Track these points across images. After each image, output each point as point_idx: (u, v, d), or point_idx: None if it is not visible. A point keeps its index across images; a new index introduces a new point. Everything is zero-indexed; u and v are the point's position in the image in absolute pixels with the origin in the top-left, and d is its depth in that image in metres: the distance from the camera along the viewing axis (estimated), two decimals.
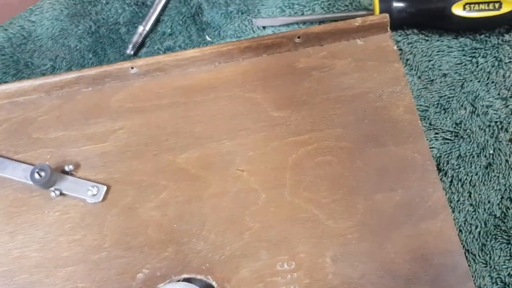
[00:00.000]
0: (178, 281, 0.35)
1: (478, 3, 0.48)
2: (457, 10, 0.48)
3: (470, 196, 0.44)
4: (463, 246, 0.43)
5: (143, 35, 0.51)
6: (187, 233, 0.36)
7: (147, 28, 0.52)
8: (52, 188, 0.37)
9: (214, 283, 0.35)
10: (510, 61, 0.48)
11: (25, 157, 0.39)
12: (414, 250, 0.35)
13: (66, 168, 0.38)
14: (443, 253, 0.35)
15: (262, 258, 0.35)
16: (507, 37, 0.49)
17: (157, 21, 0.53)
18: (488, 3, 0.48)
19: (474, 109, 0.47)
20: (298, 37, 0.41)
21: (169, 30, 0.52)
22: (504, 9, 0.48)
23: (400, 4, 0.49)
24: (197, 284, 0.34)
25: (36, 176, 0.37)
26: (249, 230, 0.36)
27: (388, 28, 0.41)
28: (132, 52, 0.51)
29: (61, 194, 0.38)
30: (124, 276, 0.35)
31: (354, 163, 0.38)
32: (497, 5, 0.48)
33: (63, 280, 0.35)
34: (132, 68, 0.40)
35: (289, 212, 0.36)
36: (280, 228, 0.36)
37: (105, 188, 0.38)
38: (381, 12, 0.48)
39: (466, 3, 0.48)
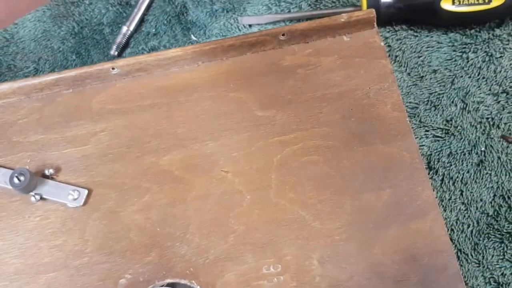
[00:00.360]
0: (162, 286, 0.34)
1: None
2: (446, 4, 0.47)
3: (461, 194, 0.43)
4: (455, 246, 0.42)
5: (127, 36, 0.50)
6: (171, 237, 0.35)
7: (131, 28, 0.51)
8: (32, 193, 0.37)
9: (198, 287, 0.34)
10: (501, 56, 0.48)
11: (4, 161, 0.38)
12: (403, 250, 0.34)
13: (47, 172, 0.37)
14: (433, 254, 0.34)
15: (247, 261, 0.34)
16: (497, 31, 0.49)
17: (141, 21, 0.52)
18: None
19: (465, 106, 0.46)
20: (283, 35, 0.40)
21: (154, 30, 0.51)
22: (494, 3, 0.47)
23: (388, 0, 0.48)
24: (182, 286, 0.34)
25: (16, 180, 0.36)
26: (234, 232, 0.35)
27: (375, 24, 0.40)
28: (116, 53, 0.50)
29: (42, 198, 0.37)
30: (106, 282, 0.34)
31: (341, 162, 0.37)
32: None
33: (44, 287, 0.35)
34: (113, 68, 0.40)
35: (274, 213, 0.36)
36: (266, 230, 0.35)
37: (86, 192, 0.37)
38: (368, 7, 0.47)
39: None
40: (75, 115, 0.39)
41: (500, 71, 0.47)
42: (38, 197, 0.36)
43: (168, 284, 0.34)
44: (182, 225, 0.36)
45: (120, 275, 0.35)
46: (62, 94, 0.40)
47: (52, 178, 0.37)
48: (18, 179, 0.36)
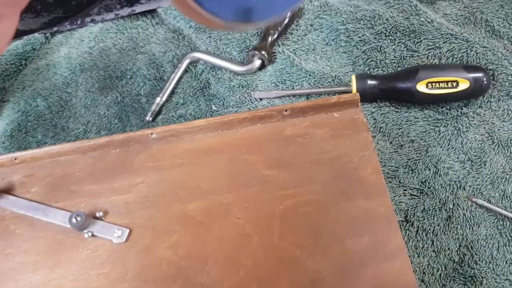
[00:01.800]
0: None
1: (439, 82, 0.57)
2: (421, 87, 0.57)
3: (432, 243, 0.52)
4: (426, 287, 0.50)
5: (160, 105, 0.62)
6: (193, 269, 0.45)
7: (164, 98, 0.62)
8: (85, 231, 0.46)
9: None
10: (467, 130, 0.57)
11: (64, 205, 0.48)
12: (377, 285, 0.43)
13: (97, 214, 0.47)
14: None
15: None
16: (465, 110, 0.59)
17: (172, 93, 0.63)
18: (447, 82, 0.57)
19: (437, 170, 0.56)
20: (286, 110, 0.50)
21: (182, 100, 0.62)
22: (461, 87, 0.57)
23: (374, 82, 0.59)
24: None
25: (74, 220, 0.46)
26: (243, 267, 0.44)
27: (359, 104, 0.51)
28: (150, 119, 0.61)
29: (93, 235, 0.46)
30: None
31: (330, 213, 0.46)
32: (454, 83, 0.57)
33: None
34: (151, 134, 0.50)
35: (276, 252, 0.45)
36: (269, 266, 0.44)
37: (128, 231, 0.46)
38: (357, 88, 0.58)
39: (429, 82, 0.57)
40: (120, 170, 0.50)
41: (466, 143, 0.57)
42: (90, 234, 0.46)
43: None
44: (202, 260, 0.45)
45: None
46: (110, 153, 0.51)
47: (101, 219, 0.47)
48: (76, 219, 0.46)
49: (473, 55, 0.61)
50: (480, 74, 0.57)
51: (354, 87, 0.59)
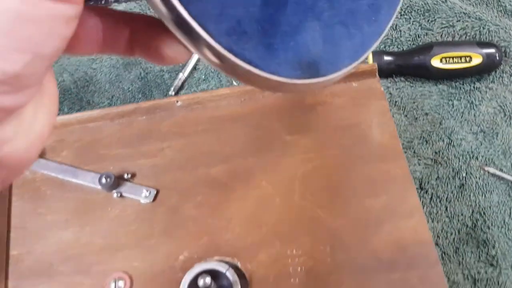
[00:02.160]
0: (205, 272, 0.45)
1: (452, 57, 0.59)
2: (436, 62, 0.59)
3: (446, 209, 0.54)
4: (440, 249, 0.52)
5: (182, 80, 0.64)
6: (218, 227, 0.47)
7: (186, 74, 0.64)
8: (114, 191, 0.48)
9: (238, 263, 0.45)
10: (480, 103, 0.59)
11: (93, 168, 0.50)
12: (394, 241, 0.45)
13: (125, 176, 0.49)
14: (417, 244, 0.44)
15: (276, 246, 0.45)
16: (477, 84, 0.61)
17: (194, 69, 0.65)
18: (461, 57, 0.59)
19: (450, 141, 0.58)
20: None
21: (203, 76, 0.65)
22: (474, 62, 0.59)
23: (390, 58, 0.61)
24: (225, 264, 0.44)
25: (103, 180, 0.48)
26: (266, 225, 0.46)
27: (377, 74, 0.53)
28: (173, 94, 0.63)
29: (121, 195, 0.48)
30: (169, 257, 0.46)
31: (349, 175, 0.48)
32: (467, 58, 0.59)
33: (122, 260, 0.46)
34: (177, 102, 0.52)
35: (297, 211, 0.47)
36: (290, 224, 0.46)
37: (155, 191, 0.48)
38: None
39: (443, 57, 0.59)
40: (147, 135, 0.52)
41: (479, 115, 0.59)
42: (118, 194, 0.48)
43: (211, 273, 0.45)
44: (226, 218, 0.47)
45: (180, 253, 0.46)
46: (137, 119, 0.53)
47: (129, 181, 0.49)
48: (105, 180, 0.48)
49: (486, 33, 0.63)
50: (492, 50, 0.59)
51: (370, 63, 0.60)
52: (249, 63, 0.20)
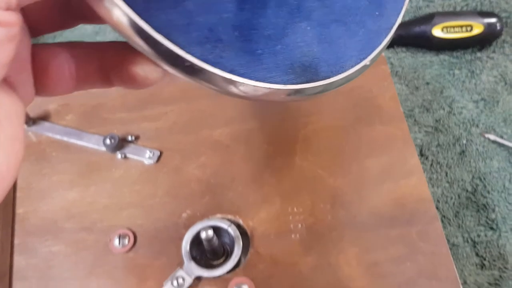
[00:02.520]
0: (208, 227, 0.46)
1: (454, 26, 0.60)
2: (437, 31, 0.60)
3: (446, 175, 0.54)
4: (440, 213, 0.53)
5: None
6: (220, 186, 0.47)
7: None
8: (118, 152, 0.49)
9: (240, 221, 0.45)
10: (480, 73, 0.60)
11: (97, 131, 0.51)
12: (394, 199, 0.45)
13: (129, 138, 0.50)
14: (417, 201, 0.45)
15: (276, 204, 0.46)
16: (478, 54, 0.61)
17: None
18: (462, 26, 0.60)
19: (451, 110, 0.58)
20: None
21: None
22: (475, 31, 0.60)
23: None
24: (227, 221, 0.45)
25: (107, 141, 0.49)
26: (267, 184, 0.47)
27: None
28: None
29: (125, 157, 0.49)
30: (172, 215, 0.46)
31: (349, 137, 0.49)
32: (469, 28, 0.60)
33: (126, 218, 0.46)
34: None
35: (299, 171, 0.47)
36: (292, 183, 0.47)
37: (158, 152, 0.49)
38: None
39: (444, 27, 0.60)
40: (150, 100, 0.53)
41: (480, 84, 0.59)
42: (123, 155, 0.49)
43: (213, 229, 0.45)
44: (229, 178, 0.48)
45: (182, 211, 0.46)
46: None
47: (133, 143, 0.50)
48: (110, 141, 0.49)
49: (487, 4, 0.63)
50: (493, 19, 0.60)
51: None
52: (231, 72, 0.18)
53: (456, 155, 0.55)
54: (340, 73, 0.21)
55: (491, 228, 0.51)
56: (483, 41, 0.61)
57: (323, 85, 0.21)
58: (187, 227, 0.45)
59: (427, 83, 0.60)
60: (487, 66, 0.60)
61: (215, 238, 0.42)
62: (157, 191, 0.48)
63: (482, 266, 0.49)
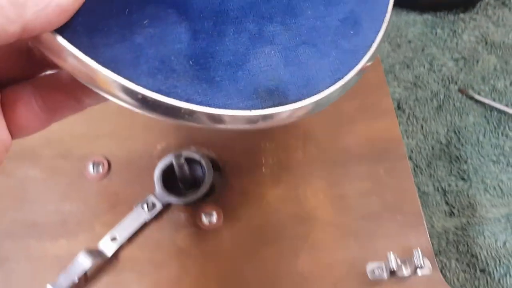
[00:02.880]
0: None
1: None
2: None
3: (422, 128, 0.55)
4: (413, 163, 0.53)
5: None
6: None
7: None
8: None
9: (213, 154, 0.46)
10: (462, 32, 0.61)
11: None
12: (365, 138, 0.46)
13: None
14: (387, 141, 0.46)
15: (249, 139, 0.47)
16: (462, 15, 0.62)
17: None
18: None
19: (431, 67, 0.59)
20: None
21: None
22: None
23: None
24: (201, 154, 0.46)
25: None
26: None
27: None
28: None
29: None
30: (146, 146, 0.47)
31: None
32: None
33: (102, 147, 0.47)
34: None
35: None
36: None
37: None
38: None
39: None
40: None
41: (461, 43, 0.60)
42: None
43: (187, 160, 0.46)
44: None
45: (157, 142, 0.47)
46: None
47: None
48: None
49: None
50: None
51: None
52: (187, 100, 0.17)
53: (433, 110, 0.56)
54: (313, 95, 0.21)
55: (462, 179, 0.52)
56: (466, 3, 0.62)
57: (294, 109, 0.20)
58: (160, 157, 0.46)
59: (409, 41, 0.61)
60: (469, 27, 0.61)
61: (186, 166, 0.43)
62: (134, 124, 0.48)
63: (451, 214, 0.50)
